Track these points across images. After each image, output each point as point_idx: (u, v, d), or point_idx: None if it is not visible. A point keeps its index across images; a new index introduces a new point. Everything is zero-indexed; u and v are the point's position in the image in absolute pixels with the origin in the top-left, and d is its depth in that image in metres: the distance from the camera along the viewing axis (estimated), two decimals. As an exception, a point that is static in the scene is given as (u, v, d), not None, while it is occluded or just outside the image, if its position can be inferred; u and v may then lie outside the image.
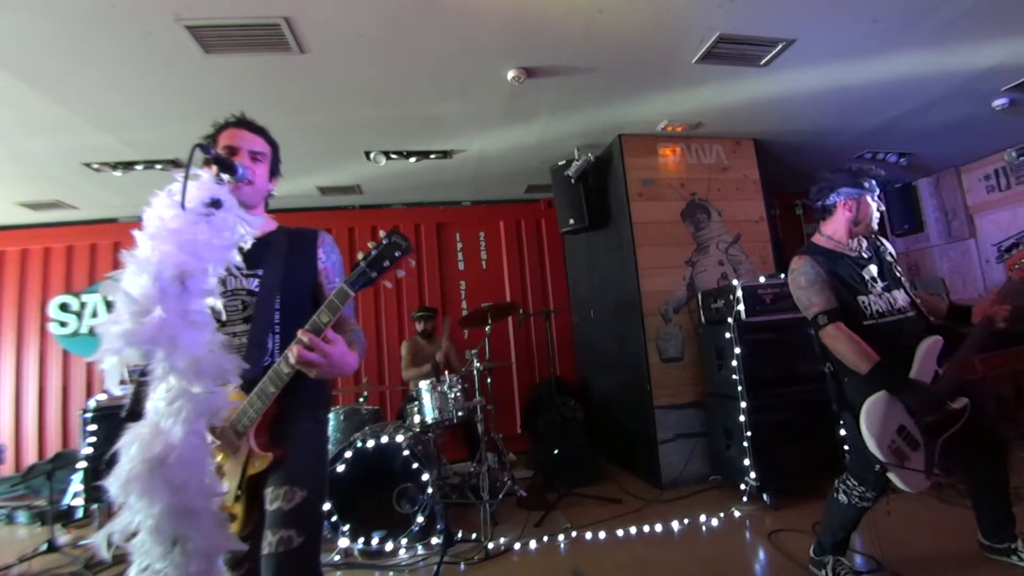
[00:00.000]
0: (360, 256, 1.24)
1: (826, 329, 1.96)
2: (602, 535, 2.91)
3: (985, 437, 2.01)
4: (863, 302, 2.01)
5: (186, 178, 1.23)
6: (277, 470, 1.33)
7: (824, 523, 2.21)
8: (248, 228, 1.37)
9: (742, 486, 3.23)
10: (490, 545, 2.83)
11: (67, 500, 3.73)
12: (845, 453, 3.27)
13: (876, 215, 2.11)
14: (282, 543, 1.24)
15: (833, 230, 2.16)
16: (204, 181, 1.31)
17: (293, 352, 1.22)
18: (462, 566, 2.68)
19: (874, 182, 2.12)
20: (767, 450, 3.16)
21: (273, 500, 1.29)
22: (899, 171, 5.41)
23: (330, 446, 2.97)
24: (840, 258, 2.09)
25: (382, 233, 1.25)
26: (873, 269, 2.09)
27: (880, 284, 2.06)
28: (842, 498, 2.10)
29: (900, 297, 2.06)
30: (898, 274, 2.13)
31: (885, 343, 1.91)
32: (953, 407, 1.86)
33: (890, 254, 2.20)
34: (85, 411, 3.67)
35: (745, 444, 3.18)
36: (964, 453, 2.01)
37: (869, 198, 2.10)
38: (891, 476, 1.82)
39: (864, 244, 2.15)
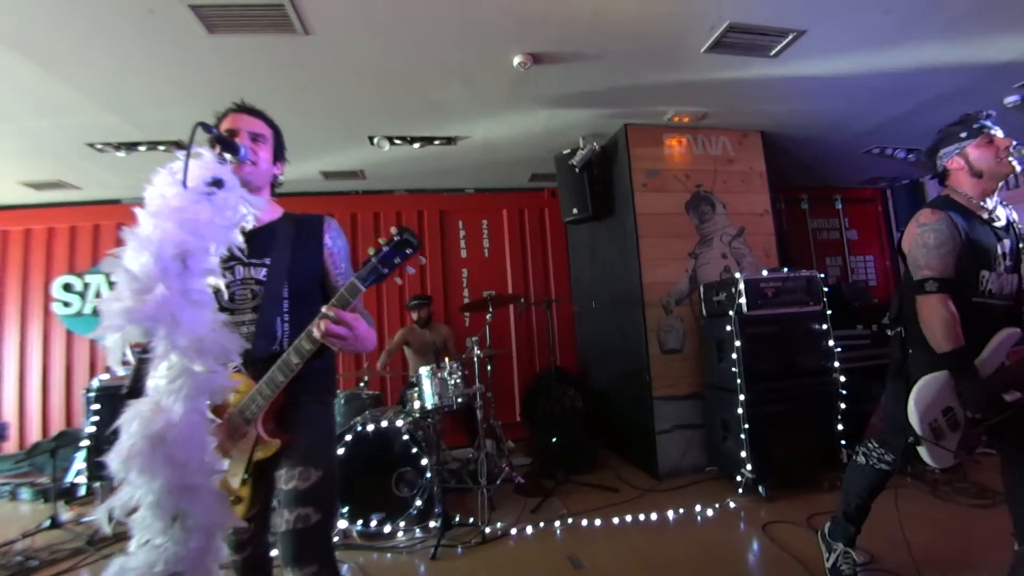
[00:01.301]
0: (372, 252, 1.23)
1: (931, 297, 1.77)
2: (598, 523, 2.94)
3: None
4: (983, 276, 1.81)
5: (187, 156, 1.23)
6: (290, 452, 1.34)
7: (843, 490, 2.20)
8: (250, 208, 1.37)
9: (738, 478, 3.25)
10: (487, 530, 2.87)
11: (70, 478, 3.78)
12: (842, 447, 3.30)
13: (1010, 159, 1.87)
14: (300, 520, 1.27)
15: (961, 188, 1.95)
16: (206, 160, 1.31)
17: (320, 327, 1.22)
18: (459, 549, 2.71)
19: (976, 124, 1.90)
20: (764, 443, 3.17)
21: (289, 480, 1.31)
22: (907, 167, 5.36)
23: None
24: (977, 220, 1.87)
25: (393, 229, 1.24)
26: (1008, 244, 1.87)
27: (1006, 263, 1.85)
28: (860, 459, 2.10)
29: (1014, 283, 1.87)
30: (1022, 257, 1.91)
31: (977, 324, 1.76)
32: (1005, 399, 1.75)
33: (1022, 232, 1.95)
34: (88, 390, 3.71)
35: (742, 436, 3.20)
36: (1013, 445, 1.85)
37: (974, 144, 1.90)
38: (920, 450, 1.78)
39: (1004, 214, 1.94)
